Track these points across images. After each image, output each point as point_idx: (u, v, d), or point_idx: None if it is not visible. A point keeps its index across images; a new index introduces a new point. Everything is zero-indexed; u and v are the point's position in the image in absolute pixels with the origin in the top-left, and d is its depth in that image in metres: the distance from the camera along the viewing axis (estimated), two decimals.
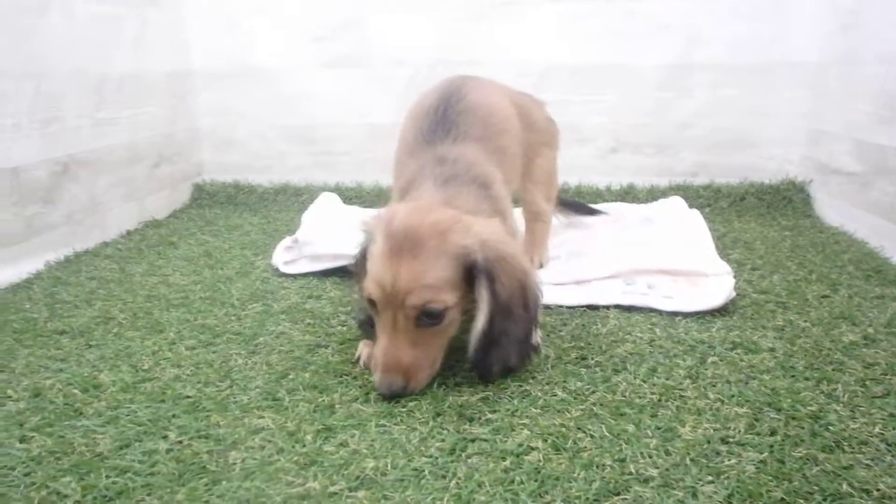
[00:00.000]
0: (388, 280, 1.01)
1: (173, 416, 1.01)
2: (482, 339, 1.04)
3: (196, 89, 2.53)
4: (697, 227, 1.73)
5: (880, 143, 1.81)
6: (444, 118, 1.32)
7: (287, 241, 1.75)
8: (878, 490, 0.82)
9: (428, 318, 1.03)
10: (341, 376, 1.14)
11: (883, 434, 0.94)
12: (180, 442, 0.94)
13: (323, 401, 1.05)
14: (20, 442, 0.94)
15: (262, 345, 1.27)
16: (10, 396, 1.07)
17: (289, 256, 1.72)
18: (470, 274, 1.04)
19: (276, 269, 1.72)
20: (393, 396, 1.03)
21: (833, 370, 1.13)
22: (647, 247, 1.61)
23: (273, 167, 2.62)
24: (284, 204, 2.49)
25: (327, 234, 1.70)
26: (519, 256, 1.09)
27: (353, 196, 2.44)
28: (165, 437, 0.95)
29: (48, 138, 1.76)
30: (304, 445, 0.93)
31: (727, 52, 2.30)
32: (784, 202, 2.29)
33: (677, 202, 2.01)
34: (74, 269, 1.74)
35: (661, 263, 1.47)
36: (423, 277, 1.01)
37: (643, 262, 1.48)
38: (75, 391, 1.08)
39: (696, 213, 1.83)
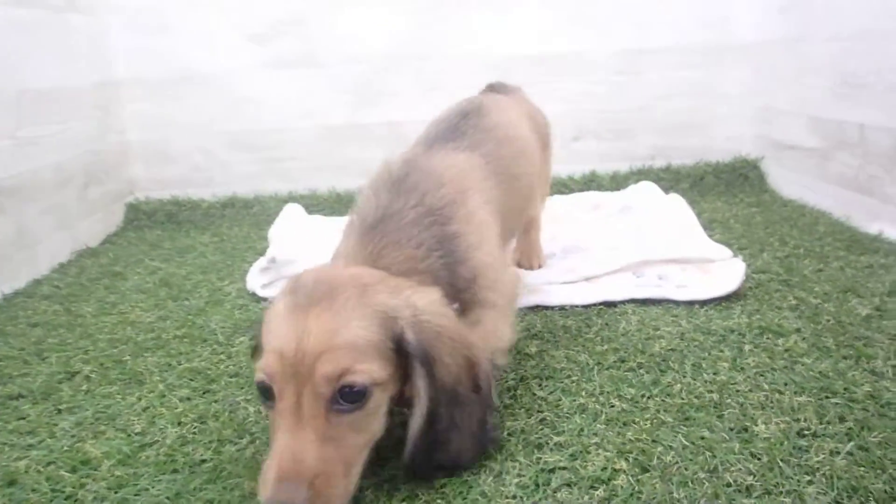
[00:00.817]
0: (290, 343, 0.73)
1: (196, 489, 0.87)
2: (422, 438, 0.80)
3: (123, 100, 2.30)
4: (684, 212, 1.72)
5: (838, 118, 1.86)
6: (455, 128, 1.16)
7: (262, 261, 1.60)
8: None
9: (346, 398, 0.74)
10: None
11: None
12: None
13: None
14: None
15: None
16: None
17: (266, 279, 1.57)
18: (400, 351, 0.79)
19: (253, 294, 1.57)
20: None
21: (864, 346, 1.13)
22: (646, 236, 1.58)
23: (216, 179, 2.43)
24: (234, 219, 2.32)
25: (307, 250, 1.57)
26: (462, 329, 0.85)
27: (310, 204, 2.30)
28: None
29: None
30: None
31: (677, 36, 2.33)
32: (741, 179, 2.35)
33: (651, 188, 2.00)
34: (10, 316, 1.52)
35: (668, 253, 1.45)
36: (340, 335, 0.74)
37: (649, 253, 1.45)
38: (61, 472, 0.92)
39: (676, 197, 1.83)
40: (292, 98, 2.36)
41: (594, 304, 1.38)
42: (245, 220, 2.27)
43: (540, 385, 1.07)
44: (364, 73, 2.31)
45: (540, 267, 1.55)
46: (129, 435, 1.00)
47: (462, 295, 0.96)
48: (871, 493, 0.78)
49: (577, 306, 1.37)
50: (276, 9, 2.25)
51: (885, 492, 0.78)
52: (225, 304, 1.53)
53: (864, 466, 0.83)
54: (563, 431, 0.94)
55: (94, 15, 2.12)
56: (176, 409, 1.07)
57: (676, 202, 1.78)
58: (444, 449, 0.82)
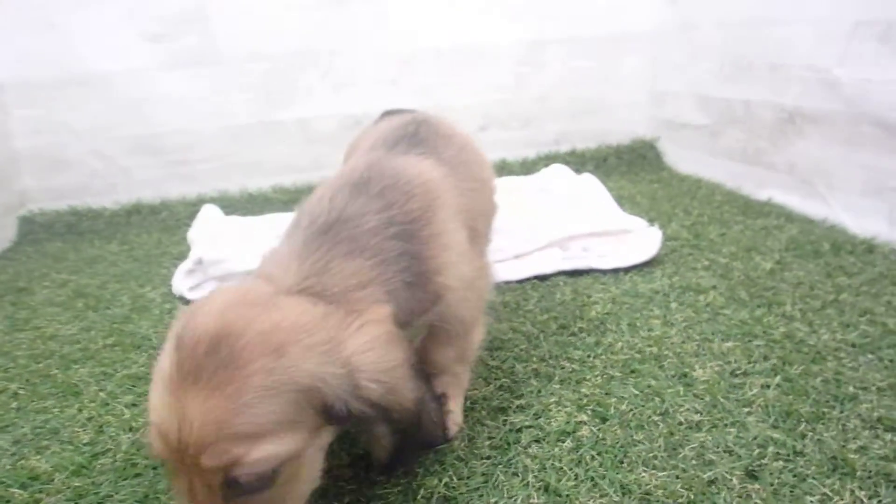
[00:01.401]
0: (171, 427, 0.60)
1: (164, 490, 0.84)
2: (394, 452, 0.76)
3: (8, 105, 2.13)
4: (598, 190, 1.82)
5: (726, 97, 2.04)
6: (416, 134, 1.00)
7: (187, 263, 1.55)
8: (875, 386, 0.94)
9: (246, 486, 0.62)
10: None
11: (846, 339, 1.07)
12: None
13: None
14: None
15: None
16: None
17: (193, 280, 1.52)
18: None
19: (181, 297, 1.51)
20: None
21: (773, 295, 1.26)
22: (567, 214, 1.66)
23: (117, 185, 2.30)
24: (142, 225, 2.20)
25: (234, 249, 1.53)
26: (405, 368, 0.72)
27: (222, 206, 2.22)
28: None
29: None
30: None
31: (576, 28, 2.44)
32: (640, 159, 2.50)
33: (563, 170, 2.10)
34: None
35: (590, 227, 1.53)
36: (232, 425, 0.60)
37: (573, 228, 1.53)
38: (11, 490, 0.87)
39: (589, 176, 1.93)
40: (196, 98, 2.27)
41: (527, 279, 1.44)
42: (154, 227, 2.17)
43: (492, 356, 1.11)
44: (270, 70, 2.26)
45: None
46: (78, 446, 0.95)
47: (424, 316, 0.84)
48: (801, 414, 0.88)
49: (511, 282, 1.43)
50: (171, 5, 2.15)
51: (813, 412, 0.89)
52: (152, 309, 1.47)
53: (791, 395, 0.93)
54: (523, 395, 0.99)
55: None
56: (123, 416, 1.03)
57: (590, 181, 1.89)
58: (414, 450, 0.79)
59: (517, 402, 0.96)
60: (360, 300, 0.72)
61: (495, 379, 1.03)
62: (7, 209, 2.11)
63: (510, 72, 2.46)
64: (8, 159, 2.14)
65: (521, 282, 1.43)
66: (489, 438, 0.89)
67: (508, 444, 0.87)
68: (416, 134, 1.00)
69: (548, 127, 2.55)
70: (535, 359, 1.09)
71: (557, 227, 1.55)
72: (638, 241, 1.49)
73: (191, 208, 2.15)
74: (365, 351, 0.67)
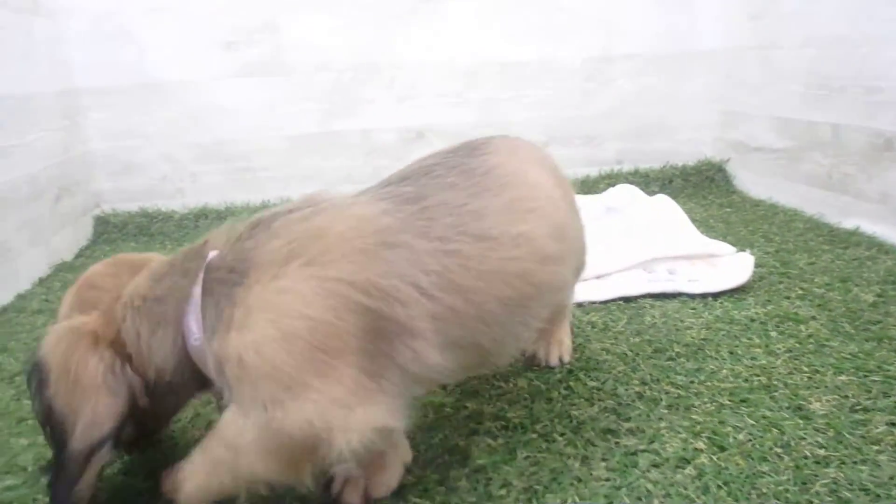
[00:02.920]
0: None
1: None
2: None
3: (86, 109, 2.18)
4: (675, 212, 1.78)
5: (810, 119, 1.99)
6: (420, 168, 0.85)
7: None
8: None
9: None
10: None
11: None
12: None
13: None
14: None
15: None
16: None
17: None
18: None
19: None
20: None
21: (881, 329, 1.20)
22: (645, 235, 1.62)
23: (185, 190, 2.34)
24: (209, 229, 2.21)
25: None
26: (80, 381, 0.72)
27: None
28: None
29: None
30: None
31: (644, 44, 2.42)
32: (707, 182, 2.46)
33: (631, 190, 2.06)
34: (8, 332, 1.41)
35: (675, 250, 1.50)
36: None
37: (657, 251, 1.50)
38: None
39: (664, 197, 1.89)
40: (262, 107, 2.30)
41: (612, 300, 1.41)
42: None
43: (589, 376, 1.08)
44: (335, 81, 2.28)
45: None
46: None
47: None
48: None
49: (595, 302, 1.40)
50: (246, 17, 2.19)
51: None
52: None
53: None
54: (630, 418, 0.95)
55: (54, 19, 2.01)
56: None
57: (666, 203, 1.85)
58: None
59: (626, 426, 0.93)
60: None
61: (598, 400, 1.00)
62: (84, 209, 2.16)
63: (575, 88, 2.45)
64: (85, 162, 2.19)
65: (604, 302, 1.40)
66: (603, 460, 0.86)
67: (626, 467, 0.84)
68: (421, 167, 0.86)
69: (611, 145, 2.52)
70: (635, 381, 1.06)
71: (640, 249, 1.52)
72: (728, 266, 1.45)
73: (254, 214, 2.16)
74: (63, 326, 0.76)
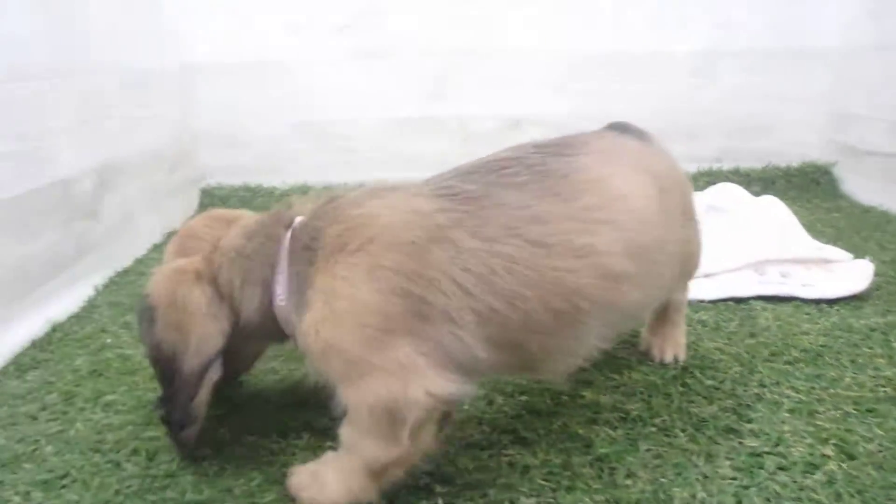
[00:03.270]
0: None
1: None
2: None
3: (196, 86, 2.28)
4: (785, 214, 1.73)
5: None
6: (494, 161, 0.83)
7: None
8: None
9: None
10: None
11: None
12: None
13: None
14: None
15: None
16: None
17: None
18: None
19: None
20: None
21: None
22: (758, 236, 1.58)
23: (285, 167, 2.42)
24: None
25: None
26: (184, 316, 0.82)
27: None
28: None
29: (90, 142, 1.52)
30: None
31: (754, 40, 2.34)
32: (811, 184, 2.37)
33: (735, 189, 2.01)
34: (131, 293, 1.51)
35: (787, 252, 1.46)
36: None
37: (768, 252, 1.46)
38: None
39: (773, 199, 1.83)
40: (366, 89, 2.35)
41: (721, 300, 1.39)
42: None
43: (705, 374, 1.08)
44: (438, 66, 2.31)
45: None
46: None
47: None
48: None
49: (703, 301, 1.38)
50: (356, 1, 2.24)
51: None
52: None
53: None
54: (752, 419, 0.95)
55: None
56: None
57: (775, 205, 1.79)
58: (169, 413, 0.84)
59: (748, 427, 0.92)
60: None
61: (717, 399, 1.00)
62: (192, 181, 2.27)
63: (680, 82, 2.39)
64: (193, 136, 2.30)
65: (714, 302, 1.38)
66: (728, 459, 0.85)
67: (752, 467, 0.84)
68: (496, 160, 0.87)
69: (712, 142, 2.46)
70: (754, 383, 1.04)
71: (751, 249, 1.48)
72: (846, 272, 1.40)
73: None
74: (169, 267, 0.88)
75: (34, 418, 1.01)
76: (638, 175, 0.86)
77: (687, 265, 1.04)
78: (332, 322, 0.72)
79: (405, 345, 0.71)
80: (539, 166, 0.81)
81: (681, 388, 1.03)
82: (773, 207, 1.78)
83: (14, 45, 1.25)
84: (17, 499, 0.82)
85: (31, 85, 1.30)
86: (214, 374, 0.83)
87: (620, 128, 1.02)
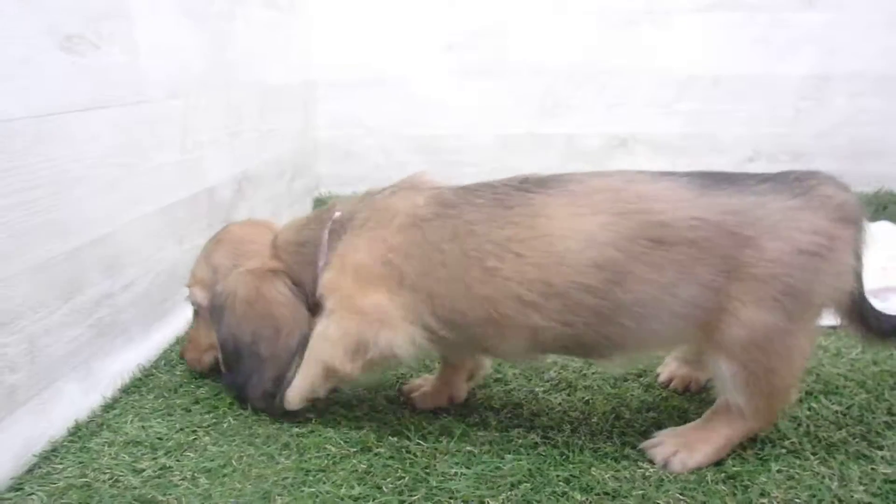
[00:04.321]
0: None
1: None
2: (226, 370, 1.11)
3: (317, 100, 2.43)
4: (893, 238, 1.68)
5: None
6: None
7: None
8: None
9: (193, 307, 1.17)
10: None
11: None
12: None
13: None
14: None
15: None
16: None
17: None
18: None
19: None
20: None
21: None
22: (878, 263, 1.55)
23: (393, 179, 2.50)
24: None
25: None
26: (269, 301, 1.05)
27: None
28: None
29: (232, 153, 1.66)
30: None
31: (867, 64, 2.28)
32: None
33: None
34: None
35: None
36: (193, 267, 1.18)
37: (890, 279, 1.43)
38: None
39: (889, 225, 1.78)
40: (476, 105, 2.43)
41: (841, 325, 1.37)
42: None
43: (830, 399, 1.08)
44: (549, 84, 2.37)
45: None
46: None
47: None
48: None
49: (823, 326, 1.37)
50: (473, 21, 2.33)
51: None
52: None
53: None
54: (883, 446, 0.95)
55: (303, 17, 2.26)
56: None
57: (889, 230, 1.75)
58: (243, 388, 1.07)
59: (880, 454, 0.93)
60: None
61: (846, 425, 1.00)
62: (307, 190, 2.42)
63: (788, 105, 2.36)
64: (311, 148, 2.44)
65: (833, 328, 1.37)
66: (862, 484, 0.86)
67: (889, 493, 0.84)
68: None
69: (821, 166, 2.36)
70: (881, 411, 1.04)
71: (871, 276, 1.45)
72: None
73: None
74: (242, 269, 1.08)
75: (188, 410, 1.10)
76: (593, 217, 0.88)
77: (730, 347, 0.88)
78: (339, 273, 0.96)
79: (383, 297, 0.93)
80: (500, 195, 0.94)
81: (807, 413, 1.04)
82: (882, 232, 1.74)
83: (176, 63, 1.39)
84: (184, 483, 0.91)
85: (188, 101, 1.44)
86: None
87: (809, 175, 0.96)
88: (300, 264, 1.05)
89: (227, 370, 1.10)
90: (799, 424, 1.00)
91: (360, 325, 0.93)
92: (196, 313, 1.19)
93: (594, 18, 2.31)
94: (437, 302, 0.93)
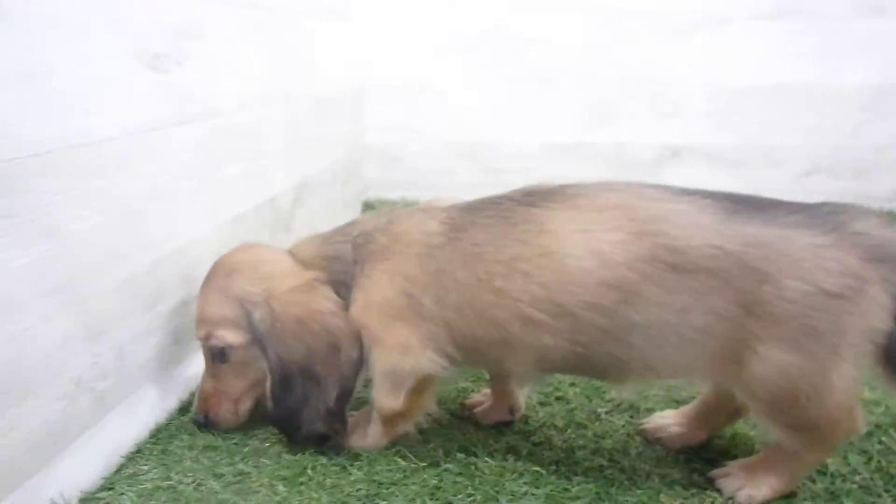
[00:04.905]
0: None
1: None
2: (275, 403, 1.02)
3: (366, 105, 2.47)
4: None
5: None
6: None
7: None
8: None
9: (217, 356, 1.04)
10: None
11: None
12: None
13: None
14: None
15: None
16: None
17: None
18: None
19: None
20: (199, 426, 1.08)
21: None
22: None
23: (439, 184, 2.55)
24: None
25: None
26: (324, 316, 1.00)
27: None
28: None
29: (292, 162, 1.70)
30: None
31: None
32: None
33: None
34: None
35: None
36: (203, 311, 1.05)
37: None
38: None
39: None
40: (524, 113, 2.44)
41: None
42: None
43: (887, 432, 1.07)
44: (599, 92, 2.36)
45: None
46: None
47: None
48: None
49: None
50: (521, 32, 2.33)
51: None
52: None
53: None
54: None
55: (356, 24, 2.29)
56: None
57: None
58: (297, 417, 1.00)
59: None
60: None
61: None
62: (357, 194, 2.45)
63: (848, 116, 2.31)
64: (361, 153, 2.48)
65: None
66: None
67: None
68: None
69: (884, 180, 2.35)
70: None
71: None
72: None
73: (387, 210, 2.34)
74: (284, 287, 1.02)
75: (259, 415, 1.12)
76: (605, 235, 0.86)
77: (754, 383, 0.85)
78: (364, 310, 0.98)
79: (405, 328, 0.94)
80: (505, 212, 0.93)
81: (878, 446, 1.03)
82: None
83: (244, 76, 1.42)
84: (263, 490, 0.93)
85: (254, 112, 1.48)
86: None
87: (844, 209, 0.87)
88: (333, 279, 1.04)
89: (276, 404, 1.01)
90: (870, 459, 1.00)
91: (390, 359, 0.96)
92: (221, 359, 1.04)
93: (648, 26, 2.29)
94: (455, 330, 0.94)
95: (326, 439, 1.02)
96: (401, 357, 0.95)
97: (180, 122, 1.14)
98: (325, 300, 1.01)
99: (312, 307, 1.00)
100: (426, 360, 0.95)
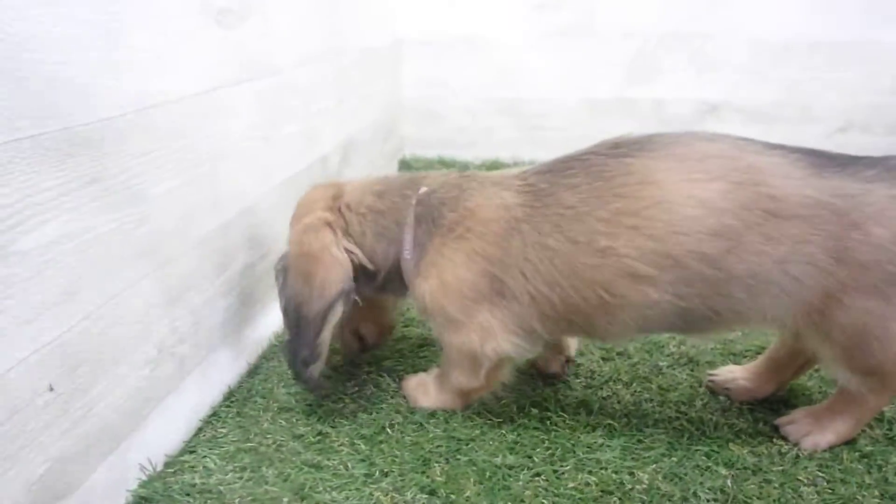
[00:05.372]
0: None
1: None
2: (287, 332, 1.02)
3: (403, 60, 2.41)
4: None
5: None
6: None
7: None
8: None
9: None
10: None
11: None
12: None
13: None
14: None
15: None
16: None
17: None
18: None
19: None
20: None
21: None
22: None
23: (478, 142, 2.52)
24: None
25: None
26: (310, 263, 0.96)
27: None
28: None
29: (339, 119, 1.67)
30: None
31: None
32: None
33: None
34: None
35: None
36: None
37: None
38: None
39: None
40: (563, 68, 2.38)
41: None
42: None
43: None
44: (639, 48, 2.29)
45: None
46: None
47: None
48: None
49: None
50: None
51: None
52: None
53: None
54: None
55: None
56: None
57: None
58: (296, 358, 0.97)
59: None
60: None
61: None
62: (394, 152, 2.42)
63: (887, 73, 2.23)
64: (398, 110, 2.44)
65: None
66: None
67: None
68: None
69: None
70: None
71: None
72: None
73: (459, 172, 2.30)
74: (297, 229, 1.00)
75: (328, 377, 1.14)
76: (709, 184, 0.84)
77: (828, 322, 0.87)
78: (440, 290, 0.94)
79: (486, 311, 0.93)
80: (596, 168, 0.89)
81: None
82: None
83: (300, 33, 1.39)
84: (345, 449, 0.96)
85: (308, 70, 1.45)
86: (335, 316, 0.95)
87: None
88: (376, 235, 0.99)
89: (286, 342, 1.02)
90: None
91: (470, 343, 0.94)
92: None
93: None
94: (545, 304, 0.91)
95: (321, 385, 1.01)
96: (481, 341, 0.94)
97: (245, 79, 1.11)
98: (319, 240, 0.97)
99: (306, 248, 0.98)
100: (508, 343, 0.94)
